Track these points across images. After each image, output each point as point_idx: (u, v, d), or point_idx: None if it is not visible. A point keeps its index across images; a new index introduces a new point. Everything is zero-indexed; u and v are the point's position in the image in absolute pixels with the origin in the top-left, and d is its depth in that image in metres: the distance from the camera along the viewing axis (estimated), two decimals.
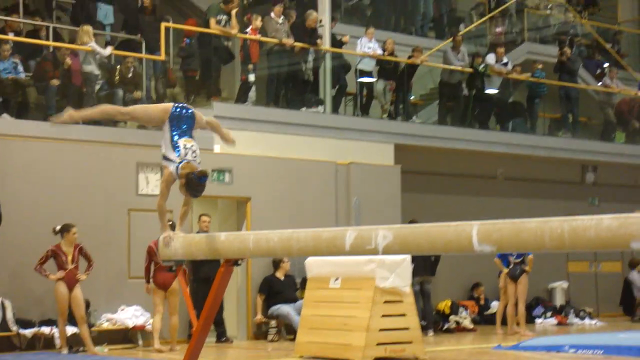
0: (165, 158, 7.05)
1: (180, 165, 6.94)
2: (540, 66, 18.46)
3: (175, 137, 7.02)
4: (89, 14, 15.18)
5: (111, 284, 12.52)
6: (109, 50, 13.56)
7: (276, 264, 13.69)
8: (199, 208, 13.20)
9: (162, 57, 13.96)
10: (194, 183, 6.94)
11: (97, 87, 13.39)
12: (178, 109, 7.14)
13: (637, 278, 18.01)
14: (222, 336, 13.06)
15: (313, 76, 15.28)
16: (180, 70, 14.87)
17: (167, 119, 7.09)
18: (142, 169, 12.91)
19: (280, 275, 13.75)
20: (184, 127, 7.09)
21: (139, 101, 13.47)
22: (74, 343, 11.71)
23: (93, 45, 13.19)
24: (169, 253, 7.39)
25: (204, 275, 12.40)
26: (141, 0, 14.83)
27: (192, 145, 7.03)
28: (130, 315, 12.39)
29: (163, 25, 13.99)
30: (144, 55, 14.18)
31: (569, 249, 5.21)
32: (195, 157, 7.04)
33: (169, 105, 7.21)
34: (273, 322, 13.51)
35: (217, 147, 13.48)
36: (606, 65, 20.78)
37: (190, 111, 7.19)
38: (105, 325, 12.33)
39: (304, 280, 12.59)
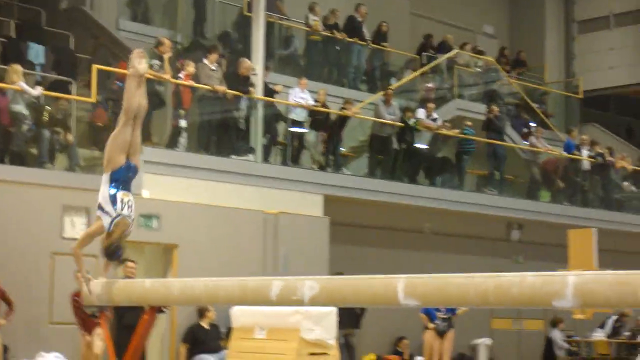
0: (101, 209, 6.99)
1: (115, 220, 6.91)
2: (469, 123, 18.73)
3: (114, 191, 6.97)
4: (19, 52, 15.05)
5: (31, 329, 12.26)
6: (38, 90, 13.42)
7: (201, 312, 13.55)
8: (125, 253, 13.01)
9: (93, 98, 13.85)
10: (110, 253, 6.92)
11: (25, 127, 13.21)
12: (130, 172, 7.08)
13: (558, 337, 18.23)
14: None
15: (245, 124, 15.29)
16: (110, 113, 14.75)
17: (109, 172, 7.00)
18: (68, 212, 12.74)
19: (205, 324, 13.61)
20: (126, 181, 7.06)
21: (71, 145, 13.32)
22: None
23: (22, 84, 13.05)
24: (92, 299, 7.30)
25: (128, 322, 12.18)
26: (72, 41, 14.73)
27: (128, 200, 7.01)
28: None
29: (94, 67, 13.90)
30: (74, 96, 14.06)
31: (494, 305, 5.28)
32: (130, 212, 7.02)
33: (123, 160, 7.09)
34: None
35: (146, 193, 13.39)
36: (533, 125, 21.17)
37: (135, 168, 7.15)
38: None
39: (229, 330, 12.50)
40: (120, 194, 6.95)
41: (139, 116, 7.24)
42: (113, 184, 6.97)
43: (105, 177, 7.01)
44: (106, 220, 6.95)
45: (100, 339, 11.53)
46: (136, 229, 12.83)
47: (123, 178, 7.02)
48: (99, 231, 7.04)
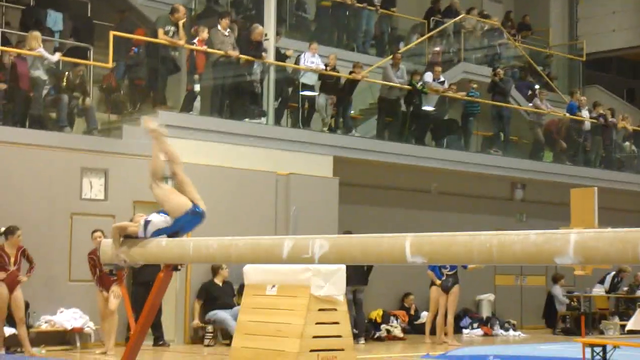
0: (147, 223, 7.06)
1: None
2: (475, 86, 18.67)
3: (164, 235, 7.03)
4: (38, 20, 15.02)
5: (51, 286, 12.35)
6: (57, 56, 13.40)
7: (215, 270, 13.63)
8: (142, 213, 13.06)
9: (110, 64, 13.83)
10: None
11: (45, 92, 13.21)
12: (196, 219, 7.11)
13: (559, 292, 18.26)
14: (159, 340, 12.94)
15: (258, 88, 15.26)
16: (126, 78, 14.74)
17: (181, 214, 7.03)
18: (86, 173, 12.78)
19: (218, 281, 13.69)
20: (185, 229, 7.10)
21: (89, 109, 13.31)
22: (11, 344, 11.53)
23: (41, 50, 13.03)
24: (110, 257, 7.33)
25: (144, 279, 12.29)
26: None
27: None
28: (69, 318, 12.24)
29: (111, 33, 13.87)
30: (91, 62, 14.04)
31: (497, 262, 5.27)
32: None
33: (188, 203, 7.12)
34: (210, 327, 13.43)
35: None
36: (537, 87, 21.07)
37: (202, 214, 7.19)
38: (44, 327, 12.16)
39: (242, 287, 12.55)
40: (164, 237, 6.99)
41: (175, 162, 7.37)
42: (173, 227, 7.00)
43: (170, 219, 7.04)
44: (141, 231, 7.02)
45: (115, 296, 11.62)
46: (151, 189, 12.88)
47: (185, 225, 7.05)
48: (130, 231, 7.13)
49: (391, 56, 17.83)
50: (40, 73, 13.02)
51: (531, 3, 25.60)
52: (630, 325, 13.51)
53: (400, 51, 18.42)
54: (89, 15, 16.51)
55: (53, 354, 11.71)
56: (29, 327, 11.68)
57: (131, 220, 7.38)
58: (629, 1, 25.31)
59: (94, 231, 11.74)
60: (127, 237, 7.17)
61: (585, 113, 20.34)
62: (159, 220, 7.06)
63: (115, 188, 12.97)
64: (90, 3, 16.68)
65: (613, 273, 18.89)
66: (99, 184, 12.69)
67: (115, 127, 13.78)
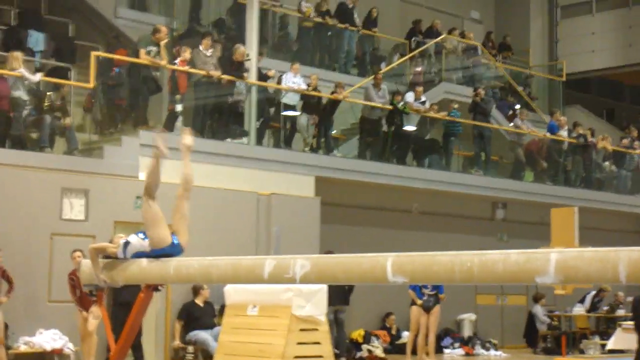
0: (127, 244, 7.03)
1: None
2: (456, 106, 18.72)
3: (144, 258, 6.96)
4: (19, 40, 14.98)
5: (30, 307, 12.24)
6: (38, 76, 13.35)
7: (196, 290, 13.56)
8: (122, 233, 13.00)
9: (92, 85, 13.79)
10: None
11: (25, 112, 13.15)
12: (173, 253, 7.00)
13: (540, 311, 18.28)
14: None
15: (240, 108, 15.24)
16: (107, 98, 14.70)
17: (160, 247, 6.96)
18: (67, 194, 12.70)
19: (199, 301, 13.62)
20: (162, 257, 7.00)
21: (67, 128, 13.25)
22: None
23: (22, 71, 12.97)
24: (90, 278, 7.28)
25: (124, 299, 12.18)
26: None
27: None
28: (48, 339, 12.12)
29: (93, 53, 13.83)
30: (72, 82, 13.99)
31: (478, 281, 5.27)
32: None
33: (169, 237, 7.09)
34: (190, 348, 13.34)
35: (143, 175, 13.34)
36: (517, 107, 21.17)
37: (179, 249, 7.10)
38: (23, 349, 12.02)
39: (223, 307, 12.50)
40: (145, 260, 6.94)
41: (185, 188, 7.25)
42: (150, 254, 6.94)
43: (148, 246, 6.96)
44: (120, 252, 6.95)
45: (94, 317, 11.54)
46: (133, 210, 12.89)
47: (163, 256, 6.95)
48: (108, 252, 7.11)
49: (373, 76, 17.88)
50: (21, 93, 12.95)
51: (511, 24, 25.78)
52: (610, 344, 13.53)
53: (381, 71, 18.47)
54: (70, 35, 16.48)
55: None
56: (7, 348, 11.56)
57: (110, 242, 7.33)
58: (608, 22, 25.51)
59: (74, 251, 11.67)
60: (107, 258, 7.13)
61: (564, 133, 20.43)
62: (137, 243, 7.02)
63: (96, 208, 12.90)
64: (71, 23, 16.66)
65: (593, 292, 18.95)
66: (79, 204, 12.62)
67: (96, 147, 13.72)
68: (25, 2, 16.91)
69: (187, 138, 7.23)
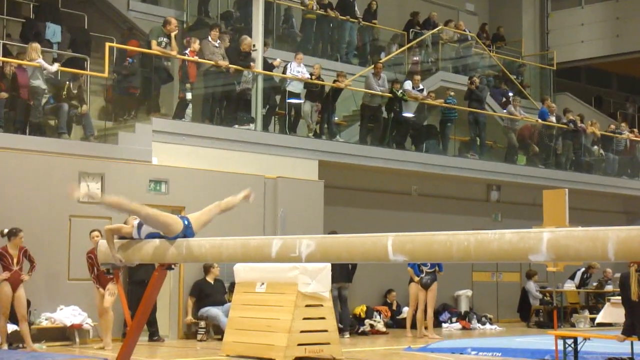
0: (141, 226, 7.04)
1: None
2: (452, 93, 18.69)
3: (156, 238, 6.96)
4: (37, 32, 14.97)
5: (51, 285, 12.29)
6: (55, 66, 13.35)
7: (207, 269, 13.60)
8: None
9: (106, 74, 13.80)
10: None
11: (44, 100, 13.16)
12: (187, 231, 6.96)
13: (533, 287, 18.30)
14: (154, 335, 12.90)
15: (247, 96, 15.24)
16: (121, 87, 14.69)
17: (179, 231, 6.90)
18: (84, 177, 12.72)
19: (210, 279, 13.66)
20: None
21: (84, 116, 13.27)
22: (14, 340, 11.47)
23: (41, 61, 12.98)
24: (107, 257, 7.31)
25: (139, 278, 12.26)
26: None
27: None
28: (68, 315, 12.18)
29: (107, 44, 13.83)
30: (88, 72, 13.99)
31: (474, 259, 5.29)
32: None
33: (179, 223, 6.98)
34: (202, 323, 13.40)
35: (155, 160, 13.38)
36: (511, 94, 21.13)
37: (191, 231, 7.02)
38: (45, 324, 12.09)
39: (232, 285, 12.53)
40: (157, 240, 6.94)
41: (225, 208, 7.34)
42: (164, 236, 6.93)
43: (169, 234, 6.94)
44: (134, 233, 6.95)
45: (110, 294, 11.60)
46: (146, 192, 12.93)
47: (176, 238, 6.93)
48: (127, 234, 7.10)
49: (373, 66, 17.85)
50: (39, 83, 12.96)
51: (505, 16, 25.70)
52: (599, 318, 13.56)
53: (381, 61, 18.44)
54: (85, 27, 16.46)
55: (53, 349, 11.65)
56: (30, 323, 11.62)
57: (125, 223, 7.35)
58: (596, 14, 25.43)
59: (92, 231, 11.72)
60: (123, 238, 7.15)
61: (555, 119, 20.42)
62: (149, 228, 7.04)
63: (112, 191, 12.88)
64: (86, 16, 16.64)
65: (583, 269, 18.98)
66: (95, 188, 12.63)
67: (111, 133, 13.73)
68: None
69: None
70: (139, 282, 12.15)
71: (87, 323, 12.27)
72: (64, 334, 12.30)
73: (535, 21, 26.12)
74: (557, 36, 25.84)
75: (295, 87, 16.01)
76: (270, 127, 15.76)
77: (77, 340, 12.23)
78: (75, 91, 13.36)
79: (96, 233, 11.57)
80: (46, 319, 12.11)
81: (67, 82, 13.38)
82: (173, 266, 7.36)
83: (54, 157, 12.49)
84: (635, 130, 23.04)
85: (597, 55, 25.42)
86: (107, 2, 17.25)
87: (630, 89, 28.35)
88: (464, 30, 21.72)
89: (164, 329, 13.40)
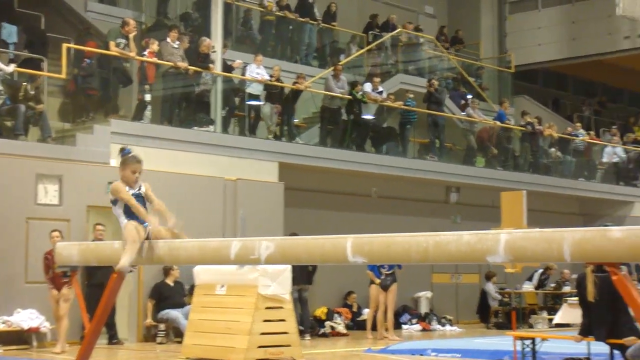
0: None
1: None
2: (411, 96, 18.78)
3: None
4: None
5: (8, 288, 12.15)
6: (11, 67, 13.21)
7: (166, 271, 13.53)
8: (94, 217, 12.96)
9: (64, 75, 13.67)
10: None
11: (0, 101, 13.01)
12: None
13: (492, 289, 18.44)
14: (113, 338, 12.81)
15: (206, 98, 15.18)
16: (79, 88, 14.57)
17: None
18: (41, 179, 12.59)
19: (170, 281, 13.59)
20: None
21: (41, 114, 13.13)
22: None
23: None
24: (65, 259, 7.24)
25: (97, 281, 12.14)
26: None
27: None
28: (26, 318, 12.05)
29: (64, 45, 13.70)
30: (45, 73, 13.86)
31: (433, 261, 5.31)
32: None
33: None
34: (162, 326, 13.33)
35: (114, 162, 13.26)
36: (469, 97, 21.28)
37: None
38: (1, 327, 11.95)
39: (192, 287, 12.48)
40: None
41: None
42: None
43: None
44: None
45: (64, 300, 11.48)
46: (104, 195, 12.80)
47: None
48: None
49: (333, 67, 17.88)
50: None
51: (463, 18, 25.89)
52: (557, 319, 13.70)
53: (341, 63, 18.47)
54: (42, 28, 16.30)
55: (10, 353, 11.51)
56: None
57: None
58: (553, 17, 25.71)
59: (53, 231, 11.62)
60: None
61: (513, 121, 20.60)
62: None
63: (69, 193, 12.81)
64: (43, 16, 16.47)
65: (541, 271, 19.16)
66: (53, 190, 12.52)
67: (69, 135, 13.61)
68: None
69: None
70: (98, 284, 12.01)
71: (44, 326, 12.15)
72: (21, 338, 12.16)
73: (493, 24, 26.35)
74: (515, 39, 26.09)
75: (255, 88, 15.99)
76: (230, 129, 15.72)
77: (35, 343, 12.11)
78: (32, 92, 13.22)
79: (56, 233, 11.48)
80: (3, 323, 11.96)
81: (24, 83, 13.23)
82: (132, 268, 7.30)
83: (10, 159, 12.35)
84: (592, 132, 23.34)
85: (554, 58, 25.71)
86: (64, 2, 17.09)
87: (586, 92, 28.71)
88: (424, 33, 21.85)
89: (123, 331, 13.30)
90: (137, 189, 6.78)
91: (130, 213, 6.65)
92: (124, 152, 6.84)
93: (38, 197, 12.57)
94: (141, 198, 6.76)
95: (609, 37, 24.61)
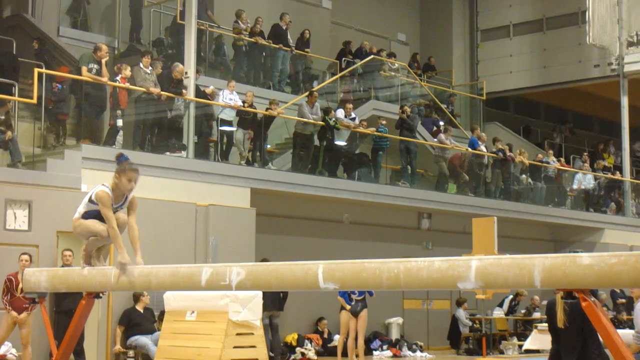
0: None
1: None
2: (384, 122, 18.84)
3: None
4: None
5: None
6: None
7: (136, 297, 13.41)
8: (64, 243, 12.83)
9: (35, 100, 13.58)
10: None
11: None
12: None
13: (462, 315, 18.47)
14: None
15: (178, 123, 15.14)
16: (51, 113, 14.48)
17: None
18: (10, 205, 12.47)
19: (139, 307, 13.47)
20: None
21: (10, 141, 13.03)
22: None
23: None
24: (33, 286, 7.16)
25: (66, 307, 12.02)
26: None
27: None
28: None
29: (36, 70, 13.63)
30: (16, 98, 13.77)
31: (404, 287, 5.30)
32: None
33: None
34: (131, 352, 13.19)
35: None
36: (441, 123, 21.39)
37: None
38: None
39: (162, 313, 12.38)
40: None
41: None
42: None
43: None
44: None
45: (24, 326, 11.33)
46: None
47: None
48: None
49: (307, 93, 17.91)
50: None
51: (435, 46, 26.09)
52: (527, 344, 13.73)
53: (314, 89, 18.51)
54: (14, 52, 16.20)
55: None
56: None
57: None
58: (524, 46, 25.98)
59: (23, 254, 11.48)
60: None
61: (484, 148, 20.72)
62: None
63: (39, 219, 12.69)
64: (15, 41, 16.39)
65: (511, 297, 19.21)
66: (23, 215, 12.40)
67: (39, 160, 13.51)
68: None
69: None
70: (66, 311, 11.90)
71: (11, 353, 11.97)
72: None
73: (465, 52, 26.58)
74: (487, 66, 26.33)
75: (228, 114, 15.98)
76: (202, 154, 15.68)
77: None
78: (2, 117, 13.12)
79: (25, 257, 11.36)
80: None
81: None
82: (101, 294, 7.23)
83: None
84: (562, 159, 23.53)
85: (525, 85, 25.96)
86: (36, 27, 17.02)
87: (557, 118, 28.97)
88: (395, 59, 21.98)
89: (92, 358, 13.14)
90: (123, 201, 6.74)
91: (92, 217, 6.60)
92: (120, 158, 6.81)
93: (7, 222, 12.43)
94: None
95: (579, 65, 24.90)
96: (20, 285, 11.21)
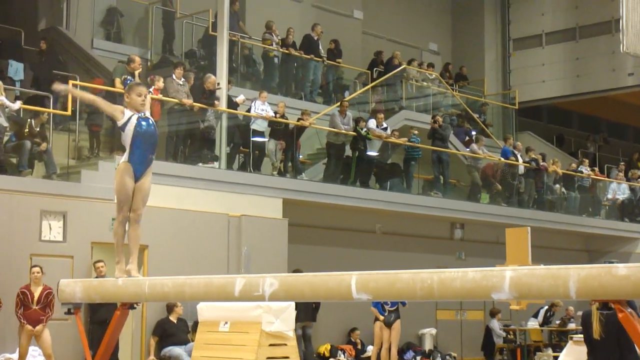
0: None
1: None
2: (416, 132, 18.81)
3: None
4: (0, 70, 14.89)
5: (11, 325, 12.07)
6: (18, 104, 13.27)
7: (170, 308, 13.47)
8: (98, 254, 12.94)
9: (69, 112, 13.72)
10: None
11: (6, 138, 13.05)
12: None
13: (496, 326, 18.35)
14: None
15: (211, 134, 15.22)
16: (85, 125, 14.63)
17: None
18: (45, 216, 12.60)
19: (173, 318, 13.53)
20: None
21: (44, 152, 13.18)
22: None
23: (3, 99, 12.88)
24: (68, 296, 7.22)
25: (101, 318, 12.09)
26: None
27: None
28: (28, 356, 11.95)
29: (70, 82, 13.77)
30: (51, 110, 13.92)
31: (438, 298, 5.29)
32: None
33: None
34: None
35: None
36: (474, 133, 21.31)
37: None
38: None
39: (196, 324, 12.43)
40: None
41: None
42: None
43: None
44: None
45: (41, 338, 11.37)
46: (109, 231, 12.77)
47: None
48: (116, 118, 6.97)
49: (338, 104, 17.93)
50: (1, 120, 12.86)
51: (467, 55, 26.02)
52: (562, 356, 13.58)
53: (346, 99, 18.53)
54: (48, 64, 16.39)
55: None
56: None
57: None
58: (557, 54, 25.84)
59: (33, 266, 11.57)
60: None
61: (517, 158, 20.61)
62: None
63: (74, 230, 12.81)
64: (50, 53, 16.58)
65: (546, 307, 19.06)
66: (57, 226, 12.52)
67: (74, 171, 13.64)
68: (5, 33, 16.82)
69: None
70: (101, 321, 11.98)
71: None
72: None
73: (497, 61, 26.48)
74: (519, 76, 26.21)
75: (260, 125, 16.03)
76: (234, 165, 15.74)
77: None
78: (37, 129, 13.28)
79: (37, 269, 11.44)
80: None
81: (29, 120, 13.29)
82: (135, 305, 7.28)
83: (15, 195, 12.37)
84: (596, 169, 23.34)
85: (558, 94, 25.81)
86: (70, 40, 17.21)
87: (590, 128, 28.76)
88: (428, 69, 21.95)
89: None
90: (144, 114, 6.82)
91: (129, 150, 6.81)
92: (125, 81, 7.05)
93: (42, 233, 12.56)
94: (148, 124, 6.82)
95: (612, 73, 24.72)
96: (35, 298, 11.31)
